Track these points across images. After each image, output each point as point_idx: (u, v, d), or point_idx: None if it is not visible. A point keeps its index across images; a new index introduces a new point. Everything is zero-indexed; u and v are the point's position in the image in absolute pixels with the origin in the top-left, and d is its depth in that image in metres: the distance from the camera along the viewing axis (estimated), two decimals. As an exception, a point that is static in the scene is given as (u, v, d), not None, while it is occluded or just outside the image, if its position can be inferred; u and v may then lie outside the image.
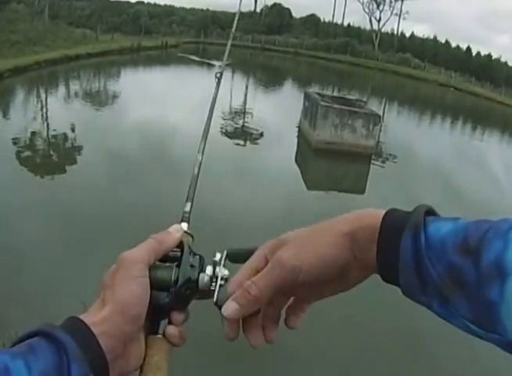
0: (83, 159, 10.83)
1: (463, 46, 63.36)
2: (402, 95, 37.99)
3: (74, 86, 21.94)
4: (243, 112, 19.74)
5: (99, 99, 19.21)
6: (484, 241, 0.50)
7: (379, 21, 63.36)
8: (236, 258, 0.66)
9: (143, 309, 0.58)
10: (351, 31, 65.97)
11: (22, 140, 11.75)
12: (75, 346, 0.50)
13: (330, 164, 13.81)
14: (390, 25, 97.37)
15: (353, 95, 21.98)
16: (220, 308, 0.61)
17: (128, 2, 62.39)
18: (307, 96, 16.28)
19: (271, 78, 36.52)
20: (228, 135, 14.81)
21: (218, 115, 15.74)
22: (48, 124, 14.24)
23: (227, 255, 0.66)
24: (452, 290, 0.51)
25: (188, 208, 0.76)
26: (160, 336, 0.61)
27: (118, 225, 7.40)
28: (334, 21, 69.95)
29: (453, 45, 64.36)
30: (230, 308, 0.59)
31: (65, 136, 12.55)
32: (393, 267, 0.55)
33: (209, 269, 0.64)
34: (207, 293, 0.64)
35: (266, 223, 7.85)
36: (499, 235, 0.49)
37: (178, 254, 0.65)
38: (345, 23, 69.75)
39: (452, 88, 46.10)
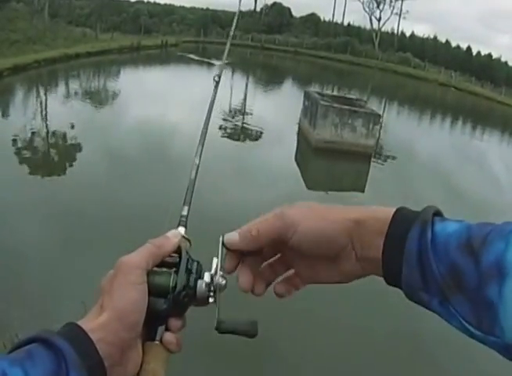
0: (82, 158, 10.81)
1: (464, 46, 63.41)
2: (402, 94, 37.96)
3: (74, 85, 21.90)
4: (242, 111, 19.72)
5: (98, 98, 19.19)
6: (485, 242, 0.50)
7: (379, 20, 63.34)
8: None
9: (141, 316, 0.57)
10: (352, 31, 65.88)
11: (21, 139, 11.73)
12: (73, 353, 0.50)
13: (330, 164, 13.80)
14: (390, 24, 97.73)
15: (353, 95, 21.98)
16: (220, 331, 0.63)
17: (128, 1, 62.35)
18: (307, 95, 16.27)
19: (271, 77, 36.48)
20: (228, 134, 14.79)
21: (217, 114, 15.73)
22: (47, 123, 14.22)
23: (223, 242, 0.65)
24: (453, 289, 0.52)
25: (185, 212, 0.75)
26: (157, 342, 0.61)
27: (117, 226, 7.38)
28: (334, 20, 69.94)
29: (453, 44, 64.41)
30: (231, 236, 0.64)
31: (64, 135, 12.53)
32: (397, 261, 0.56)
33: (207, 276, 0.64)
34: (204, 300, 0.64)
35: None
36: (500, 236, 0.50)
37: (176, 259, 0.64)
38: (345, 23, 69.76)
39: (452, 88, 46.07)
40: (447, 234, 0.54)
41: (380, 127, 15.80)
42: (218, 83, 1.05)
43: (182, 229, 0.71)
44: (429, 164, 15.18)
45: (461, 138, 23.11)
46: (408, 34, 67.17)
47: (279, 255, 0.68)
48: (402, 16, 63.73)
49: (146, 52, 41.32)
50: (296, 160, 13.84)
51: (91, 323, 0.54)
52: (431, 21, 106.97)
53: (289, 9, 68.90)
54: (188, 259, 0.64)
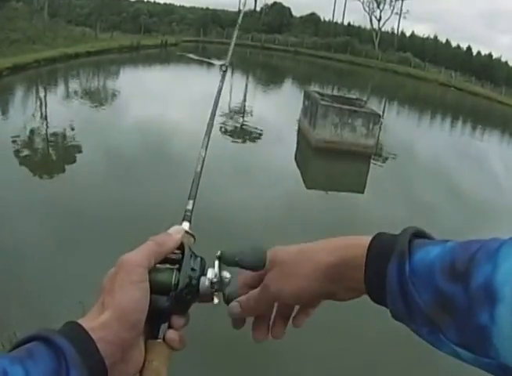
0: (82, 158, 10.79)
1: (464, 46, 63.34)
2: (402, 94, 37.94)
3: (74, 84, 21.89)
4: (242, 111, 19.70)
5: (97, 98, 19.16)
6: (472, 264, 0.49)
7: (379, 20, 63.29)
8: (230, 260, 0.65)
9: (143, 315, 0.57)
10: (352, 30, 65.83)
11: (21, 139, 11.71)
12: (74, 352, 0.50)
13: (330, 164, 13.79)
14: (390, 24, 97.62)
15: (353, 95, 21.97)
16: (227, 301, 0.68)
17: (128, 1, 62.11)
18: (307, 95, 16.25)
19: (270, 77, 36.45)
20: (228, 133, 14.76)
21: (217, 113, 15.69)
22: (47, 123, 14.19)
23: (221, 257, 0.65)
24: (441, 316, 0.51)
25: (190, 207, 0.74)
26: (159, 340, 0.61)
27: (117, 225, 7.37)
28: (334, 20, 69.90)
29: (454, 44, 64.34)
30: (234, 309, 0.67)
31: (64, 135, 12.51)
32: (381, 294, 0.56)
33: (210, 272, 0.64)
34: (208, 296, 0.64)
35: (265, 223, 7.82)
36: (487, 257, 0.48)
37: (179, 256, 0.64)
38: (345, 22, 69.71)
39: (452, 88, 46.06)
40: (429, 261, 0.52)
41: (380, 127, 15.77)
42: (225, 72, 1.05)
43: (186, 224, 0.71)
44: (429, 164, 15.16)
45: (461, 138, 23.09)
46: (408, 33, 67.23)
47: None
48: (402, 15, 63.79)
49: (146, 52, 41.29)
50: (296, 160, 13.82)
51: (93, 322, 0.54)
52: (431, 21, 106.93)
53: (289, 9, 68.88)
54: (191, 256, 0.64)
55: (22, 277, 5.73)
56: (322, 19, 70.03)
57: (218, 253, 0.65)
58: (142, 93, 20.13)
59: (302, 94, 17.34)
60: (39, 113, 15.72)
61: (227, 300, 0.68)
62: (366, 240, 0.59)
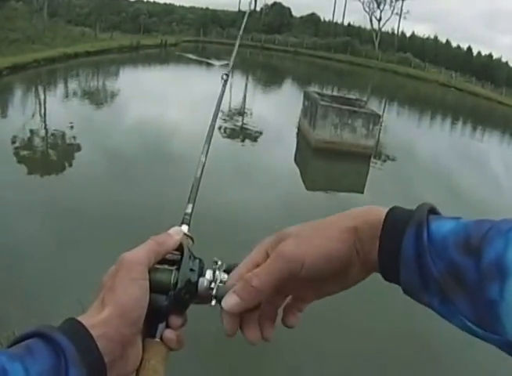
0: (81, 158, 10.78)
1: (464, 46, 63.43)
2: (402, 95, 37.93)
3: (73, 85, 21.87)
4: (242, 111, 19.66)
5: (97, 98, 19.14)
6: (485, 240, 0.50)
7: (379, 20, 63.29)
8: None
9: (143, 312, 0.57)
10: (352, 31, 65.86)
11: (20, 139, 11.69)
12: (73, 349, 0.50)
13: (330, 164, 13.76)
14: (390, 24, 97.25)
15: (353, 95, 21.94)
16: (220, 302, 0.62)
17: (128, 1, 62.05)
18: (306, 96, 16.24)
19: (270, 77, 36.45)
20: (227, 134, 14.73)
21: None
22: (46, 123, 14.19)
23: (224, 269, 0.65)
24: (453, 288, 0.51)
25: (189, 210, 0.75)
26: (157, 340, 0.61)
27: (117, 224, 7.38)
28: (334, 20, 69.97)
29: (454, 44, 64.44)
30: (231, 300, 0.59)
31: (63, 135, 12.48)
32: (394, 264, 0.55)
33: (208, 274, 0.64)
34: (206, 297, 0.63)
35: (265, 224, 7.78)
36: (500, 234, 0.49)
37: (177, 256, 0.64)
38: (345, 23, 69.79)
39: (452, 88, 46.05)
40: (444, 233, 0.53)
41: (380, 127, 15.73)
42: (226, 81, 1.06)
43: (185, 227, 0.71)
44: (429, 164, 15.13)
45: (461, 138, 23.06)
46: (408, 34, 67.28)
47: (289, 298, 0.65)
48: (403, 16, 63.81)
49: (146, 52, 41.29)
50: (295, 160, 13.79)
51: (92, 319, 0.54)
52: (432, 21, 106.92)
53: (289, 9, 68.88)
54: (190, 256, 0.64)
55: (21, 276, 5.73)
56: (322, 20, 70.07)
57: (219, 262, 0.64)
58: (141, 93, 20.12)
59: (302, 94, 17.30)
60: (38, 113, 15.72)
61: (220, 301, 0.62)
62: (384, 209, 0.59)
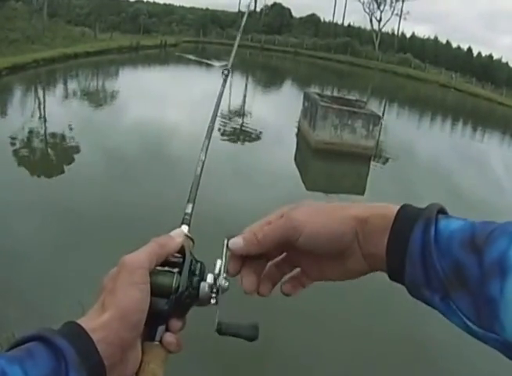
0: (81, 158, 10.76)
1: (464, 47, 63.39)
2: (402, 95, 37.91)
3: (72, 85, 21.84)
4: (241, 112, 19.63)
5: (96, 99, 19.11)
6: (489, 239, 0.51)
7: (379, 21, 63.25)
8: (227, 331, 0.65)
9: (143, 316, 0.57)
10: (352, 31, 65.85)
11: (19, 139, 11.67)
12: (73, 353, 0.49)
13: (330, 165, 13.73)
14: (390, 25, 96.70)
15: (353, 96, 21.88)
16: (220, 333, 0.63)
17: (127, 1, 61.93)
18: (306, 96, 16.20)
19: (270, 78, 36.42)
20: (227, 135, 14.69)
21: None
22: (45, 123, 14.15)
23: (227, 246, 0.65)
24: (455, 285, 0.52)
25: (189, 210, 0.74)
26: (156, 343, 0.61)
27: (117, 225, 7.35)
28: (334, 21, 69.92)
29: (454, 45, 64.36)
30: (236, 241, 0.64)
31: (63, 135, 12.45)
32: (400, 258, 0.56)
33: (210, 278, 0.64)
34: (206, 301, 0.63)
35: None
36: (504, 234, 0.50)
37: (179, 259, 0.64)
38: (345, 23, 69.74)
39: (452, 89, 46.02)
40: (450, 231, 0.54)
41: (380, 128, 15.70)
42: (227, 76, 1.04)
43: (185, 228, 0.70)
44: (429, 165, 15.11)
45: (462, 139, 23.03)
46: (408, 34, 67.25)
47: (284, 255, 0.67)
48: (403, 16, 63.75)
49: (145, 52, 41.24)
50: (295, 161, 13.75)
51: (93, 323, 0.54)
52: (432, 22, 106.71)
53: (289, 10, 68.85)
54: (191, 260, 0.64)
55: (21, 278, 5.72)
56: (322, 20, 70.04)
57: (215, 325, 0.63)
58: (140, 94, 20.08)
59: (302, 95, 17.27)
60: (38, 114, 15.69)
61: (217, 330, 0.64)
62: (395, 206, 0.61)
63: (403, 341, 5.63)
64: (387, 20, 63.55)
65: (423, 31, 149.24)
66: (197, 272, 0.63)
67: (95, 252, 6.05)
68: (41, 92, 19.99)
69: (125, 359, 0.56)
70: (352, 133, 13.79)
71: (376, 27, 63.79)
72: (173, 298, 0.60)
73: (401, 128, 22.87)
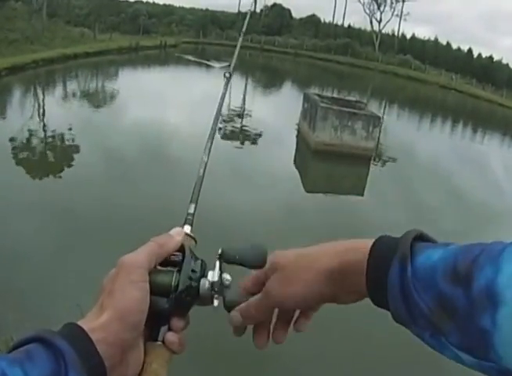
0: (80, 159, 10.72)
1: (465, 48, 63.29)
2: (402, 97, 37.89)
3: (72, 86, 21.81)
4: (241, 113, 19.58)
5: (96, 99, 19.08)
6: (474, 267, 0.49)
7: (380, 22, 63.23)
8: (231, 258, 0.65)
9: (143, 316, 0.57)
10: (352, 32, 65.82)
11: (19, 140, 11.65)
12: (73, 354, 0.49)
13: (329, 166, 13.69)
14: (391, 26, 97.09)
15: (353, 97, 21.84)
16: (227, 308, 0.66)
17: (127, 1, 61.90)
18: (306, 97, 16.16)
19: (270, 79, 36.39)
20: (227, 136, 14.64)
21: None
22: (45, 124, 14.13)
23: (221, 255, 0.65)
24: (443, 319, 0.50)
25: (192, 210, 0.74)
26: (159, 343, 0.61)
27: (117, 226, 7.36)
28: (335, 22, 69.87)
29: (454, 46, 64.29)
30: (235, 318, 0.66)
31: (62, 136, 12.42)
32: (383, 297, 0.56)
33: (210, 275, 0.64)
34: (207, 299, 0.64)
35: (264, 226, 7.72)
36: (489, 260, 0.48)
37: (179, 257, 0.64)
38: (346, 24, 69.69)
39: (452, 90, 45.98)
40: (430, 264, 0.52)
41: (380, 129, 15.66)
42: (228, 79, 1.04)
43: (187, 228, 0.70)
44: (429, 167, 15.08)
45: (462, 141, 22.99)
46: (408, 36, 67.18)
47: None
48: (403, 17, 63.75)
49: (145, 53, 41.19)
50: (295, 162, 13.71)
51: (92, 323, 0.53)
52: (432, 23, 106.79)
53: (289, 11, 68.80)
54: (191, 258, 0.64)
55: (19, 280, 5.70)
56: (322, 21, 69.99)
57: (219, 251, 0.65)
58: (140, 95, 20.05)
59: (302, 96, 17.23)
60: (37, 115, 15.65)
61: (227, 307, 0.66)
62: (367, 243, 0.58)
63: (403, 342, 5.58)
64: (388, 21, 63.61)
65: (424, 32, 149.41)
66: (198, 269, 0.63)
67: (94, 253, 6.04)
68: (40, 93, 19.96)
69: (126, 360, 0.56)
70: (352, 134, 13.75)
71: (376, 28, 63.85)
72: (173, 296, 0.60)
73: (401, 129, 22.84)
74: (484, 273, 0.47)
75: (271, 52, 56.10)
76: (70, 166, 10.32)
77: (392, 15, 63.54)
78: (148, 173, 10.13)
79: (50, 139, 12.45)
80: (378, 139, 15.09)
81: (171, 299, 0.60)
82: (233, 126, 16.57)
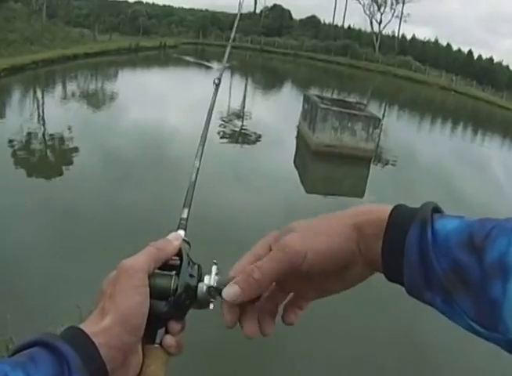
0: (79, 161, 10.71)
1: (465, 49, 63.36)
2: (402, 98, 37.90)
3: (71, 86, 21.79)
4: (241, 114, 19.56)
5: (95, 100, 19.07)
6: (488, 239, 0.50)
7: (380, 23, 63.24)
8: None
9: (144, 319, 0.57)
10: (352, 33, 65.83)
11: (18, 141, 11.63)
12: (76, 357, 0.50)
13: (329, 168, 13.68)
14: (391, 27, 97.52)
15: (353, 98, 21.84)
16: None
17: (127, 2, 62.05)
18: (306, 99, 16.14)
19: (270, 80, 36.36)
20: (226, 137, 14.63)
21: (215, 117, 15.56)
22: (44, 125, 14.12)
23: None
24: (456, 286, 0.51)
25: (185, 215, 0.74)
26: (157, 345, 0.61)
27: (116, 230, 7.34)
28: (335, 23, 69.86)
29: (454, 48, 64.32)
30: (231, 291, 0.59)
31: (62, 138, 12.41)
32: (397, 263, 0.55)
33: (207, 279, 0.64)
34: (205, 303, 0.64)
35: (264, 228, 7.65)
36: (503, 233, 0.50)
37: (177, 262, 0.64)
38: (346, 25, 69.68)
39: (452, 92, 45.97)
40: (447, 231, 0.53)
41: (380, 131, 15.63)
42: (218, 86, 1.03)
43: (181, 232, 0.70)
44: (429, 168, 15.07)
45: (462, 142, 22.97)
46: (409, 37, 67.21)
47: (274, 285, 0.63)
48: (403, 19, 63.77)
49: (145, 54, 41.17)
50: (295, 163, 13.68)
51: (94, 327, 0.54)
52: (432, 24, 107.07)
53: (289, 12, 68.85)
54: (189, 262, 0.65)
55: (19, 281, 5.69)
56: (322, 22, 70.09)
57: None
58: (139, 96, 20.06)
59: (302, 97, 17.21)
60: (36, 115, 15.63)
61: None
62: (388, 207, 0.59)
63: (403, 342, 5.63)
64: (388, 23, 63.61)
65: (424, 34, 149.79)
66: (195, 274, 0.63)
67: (93, 255, 6.04)
68: (39, 94, 19.93)
69: (127, 363, 0.56)
70: (352, 136, 13.73)
71: (376, 29, 63.88)
72: (172, 300, 0.61)
73: (401, 130, 22.82)
74: (498, 245, 0.49)
75: (271, 53, 56.12)
76: (68, 167, 10.32)
77: (392, 16, 63.63)
78: (148, 175, 10.12)
79: (49, 141, 12.41)
80: (378, 140, 15.05)
81: (170, 302, 0.60)
82: (233, 127, 16.55)
